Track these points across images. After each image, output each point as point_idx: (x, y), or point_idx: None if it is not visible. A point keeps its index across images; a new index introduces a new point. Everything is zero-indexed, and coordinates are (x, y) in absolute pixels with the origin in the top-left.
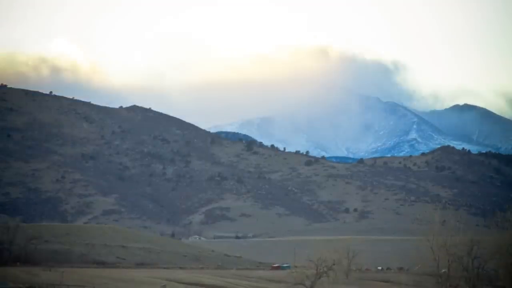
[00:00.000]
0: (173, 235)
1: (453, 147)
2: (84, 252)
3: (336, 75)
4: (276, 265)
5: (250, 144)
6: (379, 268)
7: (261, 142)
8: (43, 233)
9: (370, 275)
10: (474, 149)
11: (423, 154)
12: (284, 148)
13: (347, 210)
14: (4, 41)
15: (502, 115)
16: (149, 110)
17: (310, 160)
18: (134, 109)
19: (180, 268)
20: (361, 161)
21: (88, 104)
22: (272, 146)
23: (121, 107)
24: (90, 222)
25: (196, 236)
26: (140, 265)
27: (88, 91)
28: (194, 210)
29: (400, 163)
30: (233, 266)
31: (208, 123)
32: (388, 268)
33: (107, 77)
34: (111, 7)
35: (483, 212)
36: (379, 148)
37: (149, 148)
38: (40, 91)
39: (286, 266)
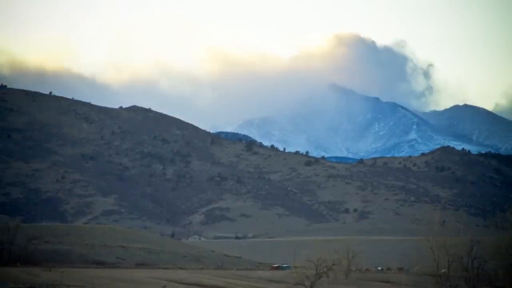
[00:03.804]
0: (173, 235)
1: (453, 148)
2: (84, 252)
3: (337, 75)
4: (276, 265)
5: (250, 144)
6: (379, 268)
7: (261, 142)
8: (43, 233)
9: (370, 275)
10: (474, 149)
11: (423, 154)
12: (284, 148)
13: (347, 211)
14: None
15: (502, 115)
16: (149, 110)
17: (310, 160)
18: (134, 109)
19: (180, 268)
20: (361, 161)
21: (88, 104)
22: (272, 146)
23: (121, 107)
24: (90, 222)
25: (196, 237)
26: (140, 265)
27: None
28: (194, 210)
29: (400, 163)
30: (233, 266)
31: (208, 123)
32: (388, 269)
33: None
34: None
35: (483, 212)
36: (379, 148)
37: (149, 149)
38: (40, 91)
39: (286, 267)
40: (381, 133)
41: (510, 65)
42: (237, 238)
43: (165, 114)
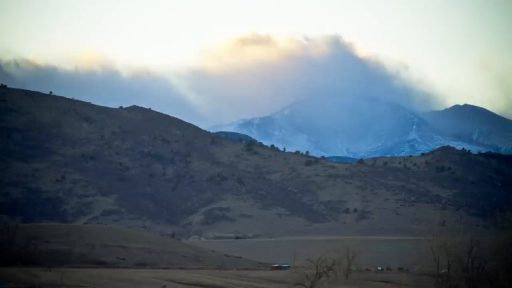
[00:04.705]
0: (173, 235)
1: (453, 148)
2: (84, 252)
3: (336, 75)
4: (276, 265)
5: (250, 144)
6: (379, 268)
7: (261, 142)
8: (43, 233)
9: (370, 275)
10: (474, 149)
11: (423, 154)
12: (284, 148)
13: (347, 210)
14: None
15: (502, 115)
16: (149, 110)
17: (310, 160)
18: (134, 109)
19: (180, 268)
20: (361, 161)
21: (88, 104)
22: (272, 146)
23: (121, 107)
24: (90, 222)
25: (196, 236)
26: (140, 265)
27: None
28: (194, 210)
29: (400, 163)
30: (233, 266)
31: (208, 123)
32: (388, 269)
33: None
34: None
35: (483, 212)
36: (379, 148)
37: (149, 148)
38: (40, 91)
39: (286, 266)
40: (381, 133)
41: (510, 65)
42: (237, 238)
43: (165, 114)
